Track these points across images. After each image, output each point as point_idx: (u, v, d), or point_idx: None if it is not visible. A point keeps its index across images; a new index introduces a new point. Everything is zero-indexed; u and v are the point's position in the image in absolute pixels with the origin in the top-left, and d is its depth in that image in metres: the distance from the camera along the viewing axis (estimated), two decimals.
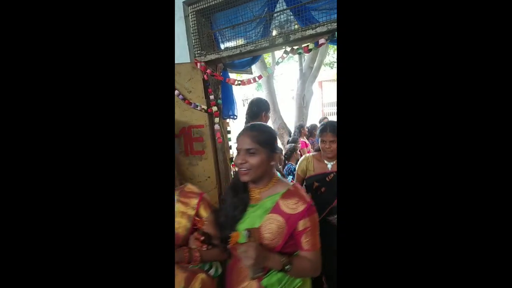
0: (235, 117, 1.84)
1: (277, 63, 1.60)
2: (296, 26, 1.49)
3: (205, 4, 1.62)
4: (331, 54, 7.10)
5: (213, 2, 1.59)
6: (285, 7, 1.49)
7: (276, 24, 1.55)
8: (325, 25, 1.29)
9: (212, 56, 1.64)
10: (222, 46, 1.74)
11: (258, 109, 1.87)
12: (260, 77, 1.61)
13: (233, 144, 1.95)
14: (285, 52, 1.48)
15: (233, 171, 1.93)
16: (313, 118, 5.38)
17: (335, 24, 1.25)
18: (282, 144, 4.52)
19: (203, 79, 1.67)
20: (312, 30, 1.33)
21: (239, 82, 1.64)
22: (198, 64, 1.62)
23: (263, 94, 5.23)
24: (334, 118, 9.23)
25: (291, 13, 1.48)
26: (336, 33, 1.26)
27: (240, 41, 1.66)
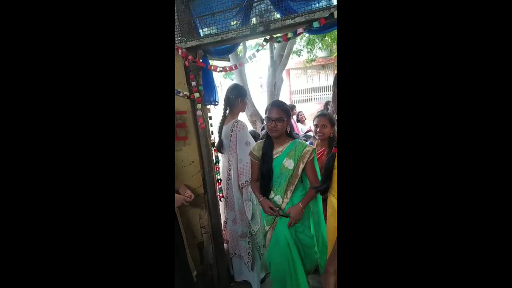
0: (216, 103, 1.90)
1: (257, 50, 1.68)
2: (277, 16, 1.57)
3: None
4: (298, 42, 7.26)
5: None
6: None
7: (256, 13, 1.62)
8: (303, 16, 1.39)
9: (193, 43, 1.67)
10: (202, 33, 1.77)
11: (234, 95, 1.90)
12: (241, 64, 1.69)
13: (214, 129, 2.01)
14: (265, 40, 1.57)
15: (215, 156, 2.00)
16: None
17: (313, 14, 1.36)
18: (256, 130, 4.62)
19: (184, 65, 1.70)
20: (291, 20, 1.42)
21: (221, 68, 1.69)
22: (180, 50, 1.65)
23: (233, 82, 5.25)
24: (302, 105, 9.50)
25: (270, 3, 1.55)
26: (313, 23, 1.37)
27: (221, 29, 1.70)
